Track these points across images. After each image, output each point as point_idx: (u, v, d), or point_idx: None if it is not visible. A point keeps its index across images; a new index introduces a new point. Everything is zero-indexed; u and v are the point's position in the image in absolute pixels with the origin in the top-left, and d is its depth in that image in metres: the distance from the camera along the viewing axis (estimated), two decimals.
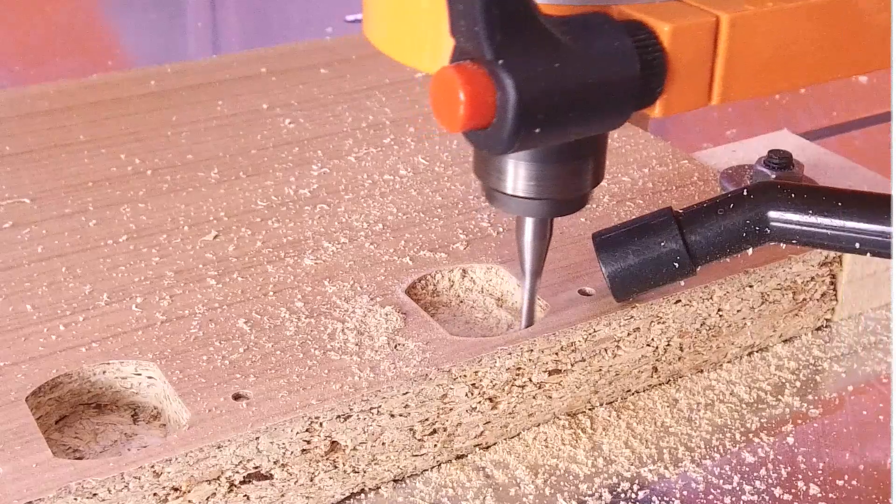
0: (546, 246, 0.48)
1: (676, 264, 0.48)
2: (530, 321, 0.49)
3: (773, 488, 0.46)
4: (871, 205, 0.46)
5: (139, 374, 0.47)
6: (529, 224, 0.47)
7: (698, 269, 0.48)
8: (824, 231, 0.46)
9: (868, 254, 0.46)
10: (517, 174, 0.44)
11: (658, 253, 0.48)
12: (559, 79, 0.38)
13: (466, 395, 0.47)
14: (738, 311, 0.53)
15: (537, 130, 0.38)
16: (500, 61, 0.37)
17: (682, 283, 0.49)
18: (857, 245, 0.46)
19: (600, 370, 0.50)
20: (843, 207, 0.46)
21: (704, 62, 0.41)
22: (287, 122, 0.68)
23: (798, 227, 0.47)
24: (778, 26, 0.42)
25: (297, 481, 0.44)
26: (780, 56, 0.42)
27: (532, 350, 0.48)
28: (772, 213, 0.47)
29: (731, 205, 0.48)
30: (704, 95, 0.41)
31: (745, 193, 0.48)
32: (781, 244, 0.48)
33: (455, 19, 0.38)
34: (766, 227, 0.47)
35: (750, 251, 0.48)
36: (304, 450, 0.44)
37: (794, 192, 0.47)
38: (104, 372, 0.47)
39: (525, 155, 0.44)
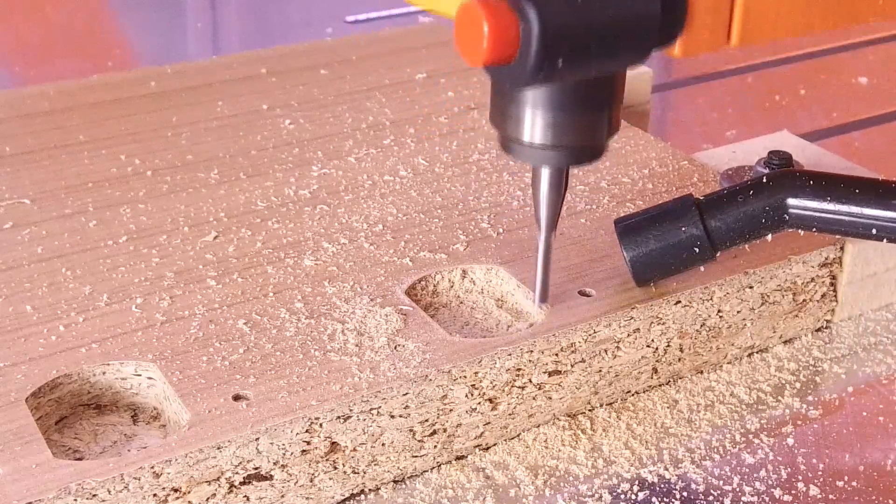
0: (562, 198, 0.48)
1: (697, 249, 0.49)
2: (544, 288, 0.50)
3: (772, 489, 0.46)
4: (888, 192, 0.47)
5: (139, 375, 0.47)
6: (546, 174, 0.47)
7: (718, 255, 0.50)
8: (841, 217, 0.48)
9: (885, 240, 0.47)
10: (534, 122, 0.44)
11: (679, 238, 0.49)
12: (582, 12, 0.38)
13: (466, 395, 0.47)
14: (738, 311, 0.53)
15: (560, 63, 0.38)
16: None
17: (702, 268, 0.50)
18: (874, 231, 0.47)
19: (600, 371, 0.50)
20: (861, 195, 0.47)
21: (724, 2, 0.41)
22: (287, 123, 0.68)
23: (816, 213, 0.48)
24: None
25: (296, 482, 0.44)
26: None
27: (532, 351, 0.48)
28: (790, 201, 0.48)
29: (751, 192, 0.49)
30: (723, 36, 0.42)
31: (764, 181, 0.49)
32: (800, 230, 0.49)
33: None
34: (785, 213, 0.48)
35: (769, 237, 0.49)
36: (303, 450, 0.44)
37: (812, 180, 0.48)
38: (104, 373, 0.47)
39: (542, 101, 0.44)
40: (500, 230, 0.57)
